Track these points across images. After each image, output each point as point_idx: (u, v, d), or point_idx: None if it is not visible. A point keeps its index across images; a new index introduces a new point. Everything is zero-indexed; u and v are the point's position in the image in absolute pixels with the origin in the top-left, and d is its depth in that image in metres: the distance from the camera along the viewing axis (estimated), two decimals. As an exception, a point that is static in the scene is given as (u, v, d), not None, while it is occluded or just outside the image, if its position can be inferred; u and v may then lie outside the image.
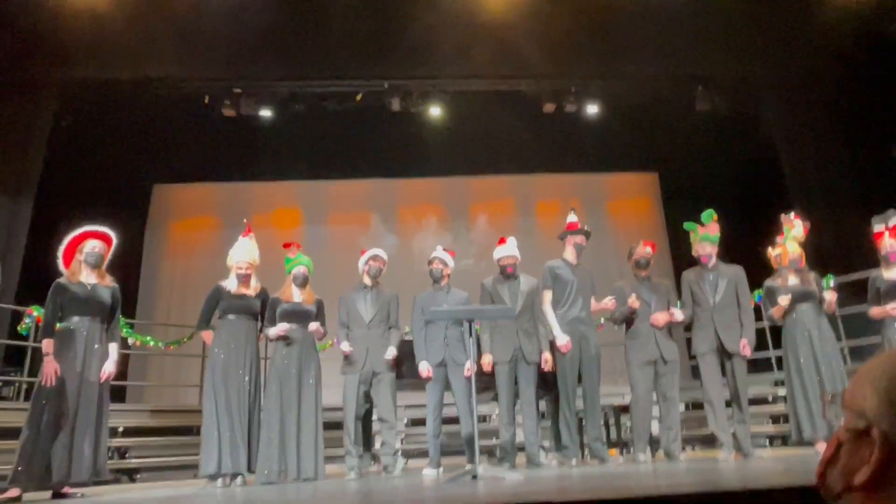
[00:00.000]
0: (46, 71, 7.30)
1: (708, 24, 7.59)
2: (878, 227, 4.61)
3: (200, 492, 3.69)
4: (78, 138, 8.05)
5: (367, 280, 4.70)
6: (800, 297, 4.52)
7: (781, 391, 6.04)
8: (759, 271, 5.69)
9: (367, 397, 4.57)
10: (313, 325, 4.45)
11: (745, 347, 4.37)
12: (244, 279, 4.46)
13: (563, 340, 4.43)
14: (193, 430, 5.53)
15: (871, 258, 4.84)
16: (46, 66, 7.25)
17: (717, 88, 8.29)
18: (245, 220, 4.71)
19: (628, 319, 4.58)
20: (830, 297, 4.51)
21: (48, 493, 3.66)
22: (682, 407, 4.70)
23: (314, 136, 9.08)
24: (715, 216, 4.66)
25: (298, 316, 4.45)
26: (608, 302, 4.52)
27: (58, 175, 7.56)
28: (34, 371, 3.92)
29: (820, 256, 5.99)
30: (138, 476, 5.46)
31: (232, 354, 4.28)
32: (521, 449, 4.91)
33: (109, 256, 4.09)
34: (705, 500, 1.92)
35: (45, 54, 7.12)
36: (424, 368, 4.52)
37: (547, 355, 4.50)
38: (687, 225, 4.75)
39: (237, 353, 4.30)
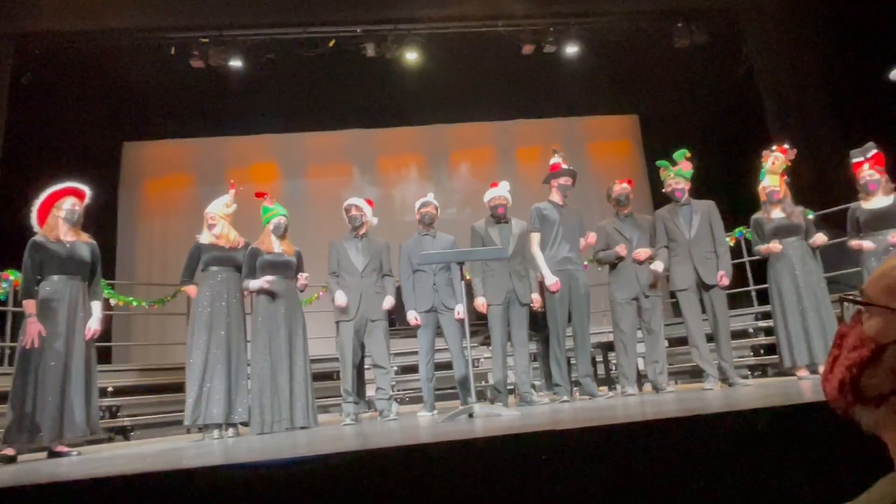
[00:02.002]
0: (1, 24, 6.92)
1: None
2: (856, 159, 4.65)
3: (196, 444, 3.71)
4: (40, 95, 7.71)
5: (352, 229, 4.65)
6: (785, 231, 4.58)
7: (761, 323, 6.21)
8: (740, 208, 5.76)
9: (362, 346, 4.59)
10: (302, 278, 4.43)
11: (723, 278, 4.44)
12: (211, 229, 4.43)
13: (551, 280, 4.47)
14: (183, 387, 5.54)
15: (850, 192, 4.89)
16: (1, 18, 6.87)
17: (695, 21, 8.16)
18: (231, 181, 4.62)
19: (612, 262, 4.63)
20: (820, 239, 4.55)
21: (44, 454, 3.66)
22: (665, 343, 4.80)
23: (288, 86, 8.82)
24: (687, 154, 4.70)
25: (281, 267, 4.41)
26: (590, 239, 4.55)
27: (22, 135, 7.27)
28: (15, 336, 3.85)
29: (799, 190, 6.06)
30: (132, 434, 5.48)
31: (216, 307, 4.28)
32: (512, 391, 5.01)
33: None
34: (692, 424, 1.97)
35: (-2, 6, 6.75)
36: (412, 317, 4.55)
37: (536, 296, 4.54)
38: (659, 162, 4.78)
39: (221, 306, 4.29)
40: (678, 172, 4.66)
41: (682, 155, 4.71)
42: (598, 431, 1.92)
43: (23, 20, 6.94)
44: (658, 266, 4.48)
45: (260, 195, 4.65)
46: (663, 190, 4.77)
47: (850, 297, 0.83)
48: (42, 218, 3.82)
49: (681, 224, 4.57)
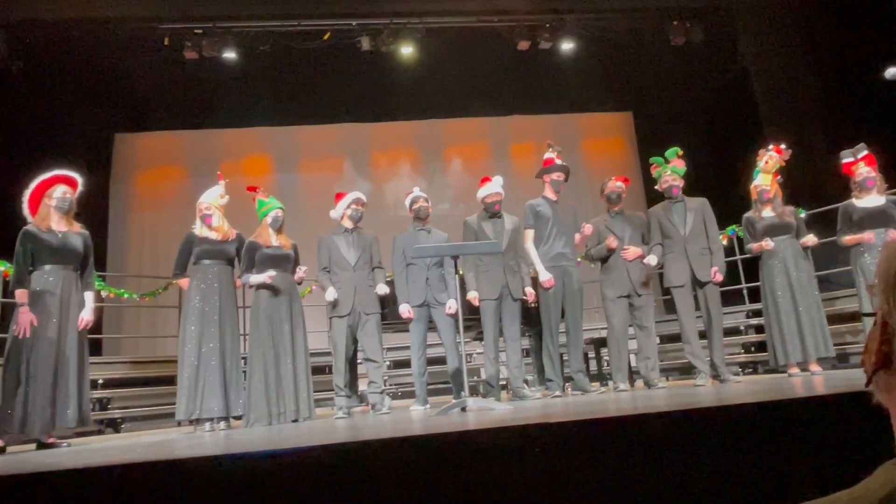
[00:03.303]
0: (-9, 11, 6.86)
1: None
2: (847, 160, 4.68)
3: (188, 437, 3.70)
4: (31, 84, 7.64)
5: (348, 224, 4.65)
6: (776, 229, 4.61)
7: (753, 321, 6.26)
8: (733, 205, 5.79)
9: (355, 340, 4.59)
10: (300, 271, 4.44)
11: (717, 274, 4.47)
12: (206, 219, 4.38)
13: (545, 277, 4.48)
14: (175, 380, 5.52)
15: (841, 192, 4.93)
16: (-9, 6, 6.81)
17: (691, 19, 8.18)
18: (219, 173, 4.60)
19: (604, 258, 4.64)
20: (811, 240, 4.58)
21: (32, 445, 3.64)
22: (657, 339, 4.83)
23: (282, 79, 8.78)
24: (680, 152, 4.72)
25: (281, 260, 4.40)
26: (585, 230, 4.57)
27: (13, 124, 7.20)
28: (5, 327, 3.82)
29: (790, 189, 6.10)
30: (123, 426, 5.46)
31: (208, 300, 4.25)
32: (504, 387, 5.03)
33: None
34: (682, 418, 1.99)
35: (-12, -7, 6.68)
36: (405, 310, 4.56)
37: (530, 290, 4.55)
38: (654, 159, 4.78)
39: (212, 299, 4.26)
40: (673, 169, 4.68)
41: (674, 153, 4.73)
42: (589, 425, 1.93)
43: (14, 7, 6.87)
44: (651, 259, 4.50)
45: (252, 189, 4.63)
46: (656, 187, 4.78)
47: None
48: (33, 207, 3.78)
49: (675, 221, 4.59)
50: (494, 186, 4.65)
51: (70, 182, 3.86)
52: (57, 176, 3.83)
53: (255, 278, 4.26)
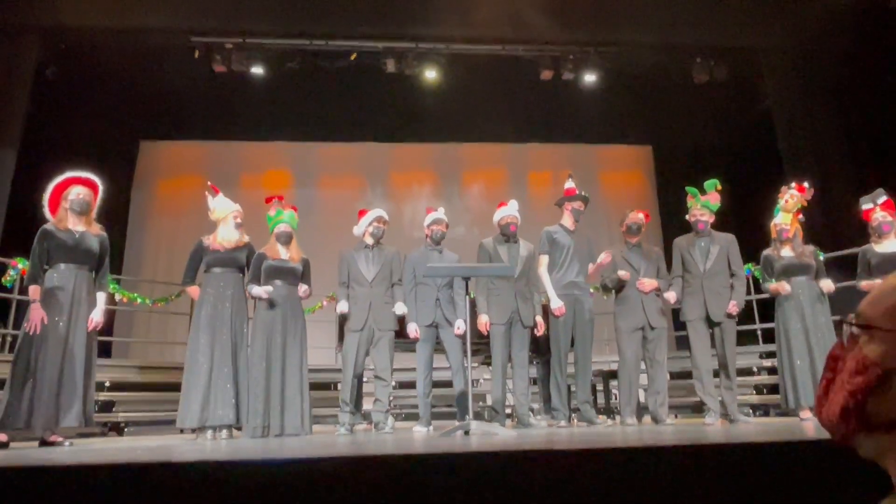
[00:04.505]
0: (29, 16, 7.05)
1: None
2: (866, 206, 4.63)
3: (188, 443, 3.68)
4: (63, 89, 7.83)
5: (369, 240, 4.67)
6: (794, 270, 4.55)
7: (766, 363, 6.14)
8: (751, 244, 5.73)
9: (366, 356, 4.57)
10: (302, 288, 4.42)
11: (733, 307, 4.40)
12: (240, 227, 4.44)
13: (556, 304, 4.45)
14: (180, 387, 5.52)
15: (861, 237, 4.87)
16: (29, 10, 7.00)
17: (716, 57, 8.21)
18: (209, 183, 4.61)
19: (618, 288, 4.61)
20: (827, 286, 4.52)
21: (35, 442, 3.64)
22: (667, 375, 4.76)
23: (306, 96, 8.92)
24: (719, 186, 4.65)
25: (284, 273, 4.39)
26: (602, 257, 4.53)
27: (42, 126, 7.37)
28: (18, 324, 3.86)
29: (810, 231, 6.04)
30: (126, 430, 5.45)
31: (217, 308, 4.25)
32: (509, 414, 4.96)
33: (96, 207, 4.00)
34: (690, 453, 1.94)
35: (27, -1, 6.89)
36: (413, 329, 4.53)
37: (539, 319, 4.52)
38: (689, 189, 4.72)
39: (222, 307, 4.26)
40: (705, 203, 4.62)
41: (712, 185, 4.65)
42: (594, 455, 1.89)
43: (50, 13, 7.07)
44: (671, 296, 4.46)
45: (269, 200, 4.63)
46: (686, 217, 4.73)
47: (851, 321, 0.80)
48: (53, 207, 3.84)
49: (696, 256, 4.55)
50: (510, 210, 4.66)
51: (87, 183, 3.90)
52: (73, 177, 3.88)
53: (256, 290, 4.26)
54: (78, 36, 7.47)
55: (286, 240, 4.48)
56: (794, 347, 4.43)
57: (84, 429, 3.80)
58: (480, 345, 4.80)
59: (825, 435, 1.64)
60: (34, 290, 3.63)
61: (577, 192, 4.75)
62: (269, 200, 4.62)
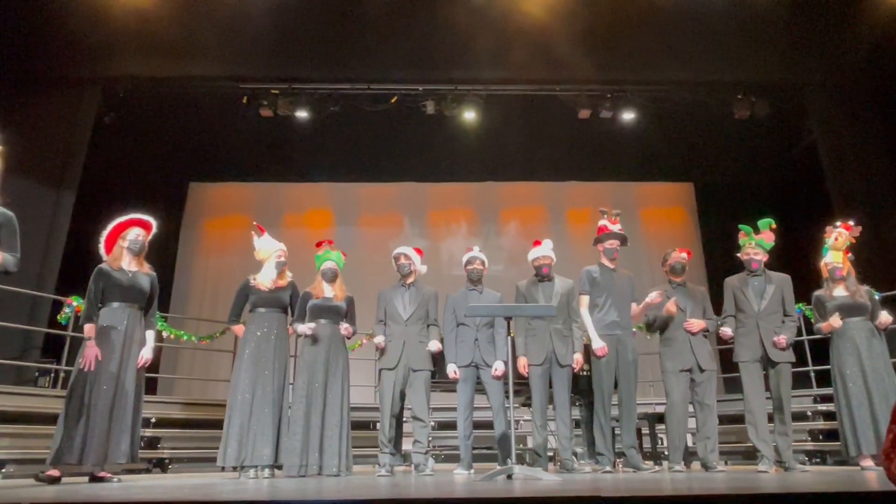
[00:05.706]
0: (91, 68, 7.50)
1: (749, 27, 7.47)
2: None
3: (230, 482, 3.70)
4: (119, 134, 8.25)
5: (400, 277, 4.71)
6: (849, 310, 4.39)
7: (821, 407, 5.87)
8: (798, 283, 5.55)
9: (402, 396, 4.56)
10: (343, 326, 4.48)
11: (782, 340, 4.25)
12: (284, 267, 4.54)
13: (598, 345, 4.38)
14: (222, 424, 5.58)
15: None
16: (91, 62, 7.46)
17: (757, 93, 8.12)
18: (255, 223, 4.76)
19: (663, 326, 4.51)
20: (885, 319, 4.36)
21: (85, 478, 3.72)
22: (717, 420, 4.59)
23: (348, 137, 9.18)
24: (773, 225, 4.56)
25: (328, 311, 4.48)
26: (654, 296, 4.42)
27: (99, 169, 7.74)
28: (72, 360, 4.00)
29: (862, 269, 5.83)
30: (170, 466, 5.52)
31: (261, 347, 4.34)
32: (552, 458, 4.84)
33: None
34: (743, 502, 1.86)
35: (89, 51, 7.34)
36: (452, 370, 4.51)
37: (578, 356, 4.44)
38: (742, 227, 4.63)
39: (266, 346, 4.35)
40: (759, 242, 4.53)
41: (766, 224, 4.57)
42: (642, 503, 1.83)
43: (112, 65, 7.50)
44: (726, 332, 4.37)
45: (319, 245, 4.75)
46: (738, 254, 4.63)
47: None
48: (109, 247, 4.01)
49: (750, 296, 4.43)
50: (544, 249, 4.64)
51: (144, 225, 4.08)
52: (132, 219, 4.06)
53: (301, 328, 4.36)
54: (134, 84, 7.88)
55: (331, 277, 4.58)
56: (852, 392, 4.24)
57: (130, 465, 3.87)
58: (521, 385, 4.73)
59: (890, 487, 1.56)
60: (89, 329, 3.77)
61: (610, 229, 4.70)
62: (319, 245, 4.73)
